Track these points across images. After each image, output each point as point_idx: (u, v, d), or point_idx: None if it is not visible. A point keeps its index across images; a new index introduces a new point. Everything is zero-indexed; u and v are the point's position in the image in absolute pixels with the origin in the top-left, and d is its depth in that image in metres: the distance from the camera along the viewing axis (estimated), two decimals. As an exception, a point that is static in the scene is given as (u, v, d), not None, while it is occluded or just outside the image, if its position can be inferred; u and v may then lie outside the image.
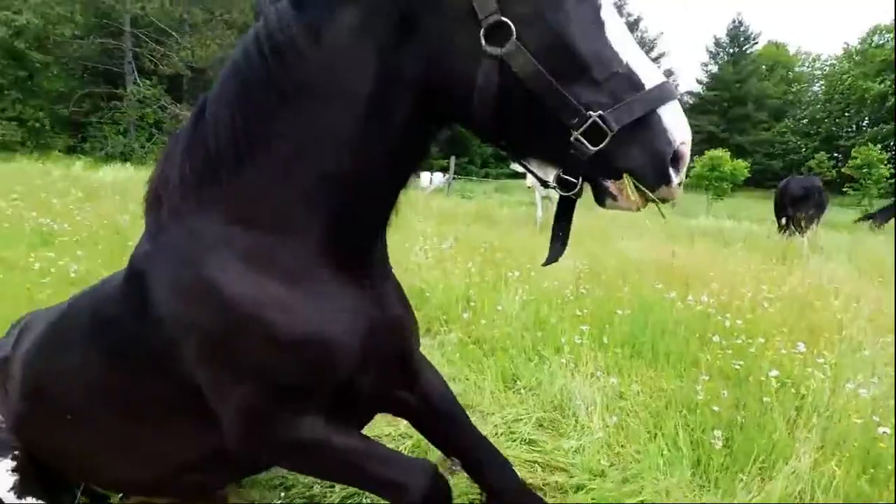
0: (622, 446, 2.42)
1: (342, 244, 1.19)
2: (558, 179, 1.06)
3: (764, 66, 51.26)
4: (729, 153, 20.27)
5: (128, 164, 18.37)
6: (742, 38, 49.25)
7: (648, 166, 0.98)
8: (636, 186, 1.00)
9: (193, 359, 1.19)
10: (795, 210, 10.63)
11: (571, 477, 2.22)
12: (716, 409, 2.55)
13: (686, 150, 0.99)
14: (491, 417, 2.68)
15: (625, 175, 1.00)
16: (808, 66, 54.43)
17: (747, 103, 47.20)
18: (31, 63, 23.55)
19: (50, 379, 1.47)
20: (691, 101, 52.23)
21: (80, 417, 1.41)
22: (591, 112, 0.95)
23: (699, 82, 52.51)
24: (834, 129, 46.07)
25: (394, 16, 1.04)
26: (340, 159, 1.11)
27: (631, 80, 0.97)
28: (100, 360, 1.34)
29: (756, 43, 49.79)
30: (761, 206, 21.76)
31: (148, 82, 24.87)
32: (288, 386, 1.17)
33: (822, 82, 50.48)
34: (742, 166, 19.39)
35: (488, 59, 0.97)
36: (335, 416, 1.23)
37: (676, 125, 0.98)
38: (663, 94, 0.97)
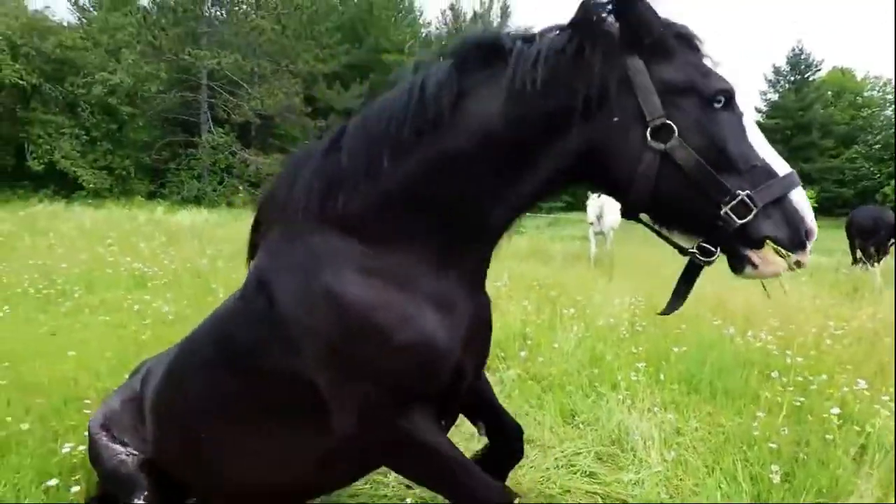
0: (680, 480, 2.51)
1: (456, 265, 1.41)
2: (699, 248, 1.31)
3: (830, 93, 49.27)
4: (792, 184, 19.50)
5: (201, 208, 19.85)
6: (804, 66, 47.61)
7: (788, 236, 1.26)
8: (776, 252, 1.26)
9: (313, 361, 1.37)
10: (864, 242, 10.19)
11: (631, 507, 2.33)
12: (773, 445, 2.59)
13: (814, 226, 1.28)
14: (551, 451, 2.82)
15: (768, 242, 1.25)
16: (878, 91, 51.78)
17: (812, 131, 45.12)
18: (121, 116, 26.08)
19: (179, 406, 1.72)
20: (751, 130, 50.65)
21: (207, 435, 1.64)
22: (739, 192, 1.22)
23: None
24: (911, 154, 43.33)
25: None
26: (472, 201, 1.36)
27: (767, 171, 1.26)
28: (222, 376, 1.56)
29: (819, 70, 48.05)
30: (831, 237, 20.62)
31: (221, 130, 26.96)
32: (400, 387, 1.35)
33: (894, 107, 47.84)
34: (808, 196, 18.55)
35: (651, 152, 1.25)
36: (439, 412, 1.46)
37: (805, 205, 1.27)
38: (792, 181, 1.26)
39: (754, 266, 1.28)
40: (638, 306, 5.72)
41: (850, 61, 77.20)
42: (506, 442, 1.82)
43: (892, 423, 2.76)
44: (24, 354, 3.69)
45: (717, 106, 1.26)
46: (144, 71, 25.26)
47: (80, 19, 31.38)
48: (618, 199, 1.38)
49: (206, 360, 1.64)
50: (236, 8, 28.46)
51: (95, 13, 32.01)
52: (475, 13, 48.98)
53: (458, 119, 1.31)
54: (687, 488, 2.43)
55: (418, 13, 45.16)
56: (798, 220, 1.25)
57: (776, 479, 2.31)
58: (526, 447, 2.38)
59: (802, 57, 47.45)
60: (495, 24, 51.01)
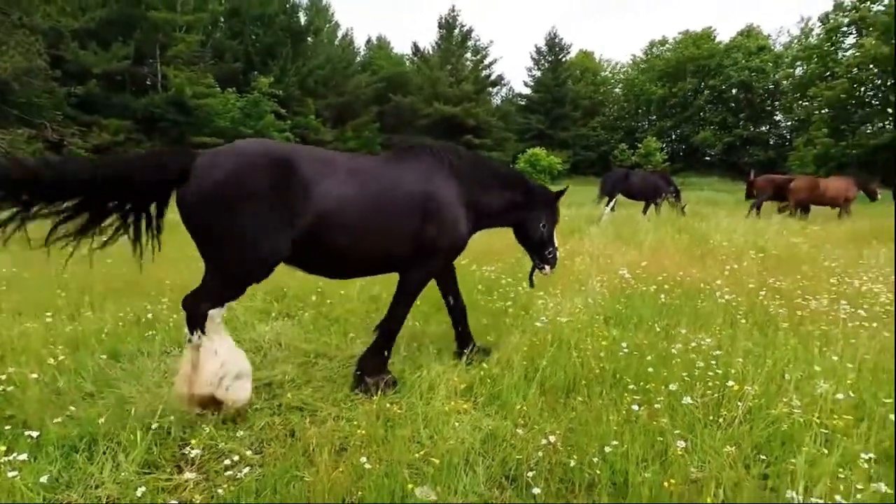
0: (418, 352, 3.89)
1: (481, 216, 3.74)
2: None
3: (579, 71, 58.63)
4: (545, 150, 23.71)
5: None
6: (558, 49, 55.82)
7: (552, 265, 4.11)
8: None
9: (432, 226, 3.32)
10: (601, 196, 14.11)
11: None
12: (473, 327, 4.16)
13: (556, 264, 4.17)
14: (336, 357, 3.99)
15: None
16: (610, 72, 63.45)
17: (565, 104, 53.63)
18: None
19: (357, 216, 3.11)
20: (522, 102, 57.82)
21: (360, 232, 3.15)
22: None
23: (526, 85, 58.40)
24: (633, 124, 54.78)
25: None
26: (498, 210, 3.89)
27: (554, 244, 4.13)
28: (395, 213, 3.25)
29: (569, 52, 56.83)
30: (579, 192, 25.71)
31: (-66, 99, 21.61)
32: (454, 249, 3.59)
33: (621, 85, 59.31)
34: (556, 161, 22.87)
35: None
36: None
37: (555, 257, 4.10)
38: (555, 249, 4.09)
39: (543, 270, 4.08)
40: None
41: (591, 44, 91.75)
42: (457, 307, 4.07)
43: (545, 306, 4.54)
44: None
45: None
46: None
47: None
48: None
49: (388, 207, 3.23)
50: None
51: None
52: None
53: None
54: (418, 359, 3.80)
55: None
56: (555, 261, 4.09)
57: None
58: (318, 359, 3.57)
59: (557, 40, 55.39)
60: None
